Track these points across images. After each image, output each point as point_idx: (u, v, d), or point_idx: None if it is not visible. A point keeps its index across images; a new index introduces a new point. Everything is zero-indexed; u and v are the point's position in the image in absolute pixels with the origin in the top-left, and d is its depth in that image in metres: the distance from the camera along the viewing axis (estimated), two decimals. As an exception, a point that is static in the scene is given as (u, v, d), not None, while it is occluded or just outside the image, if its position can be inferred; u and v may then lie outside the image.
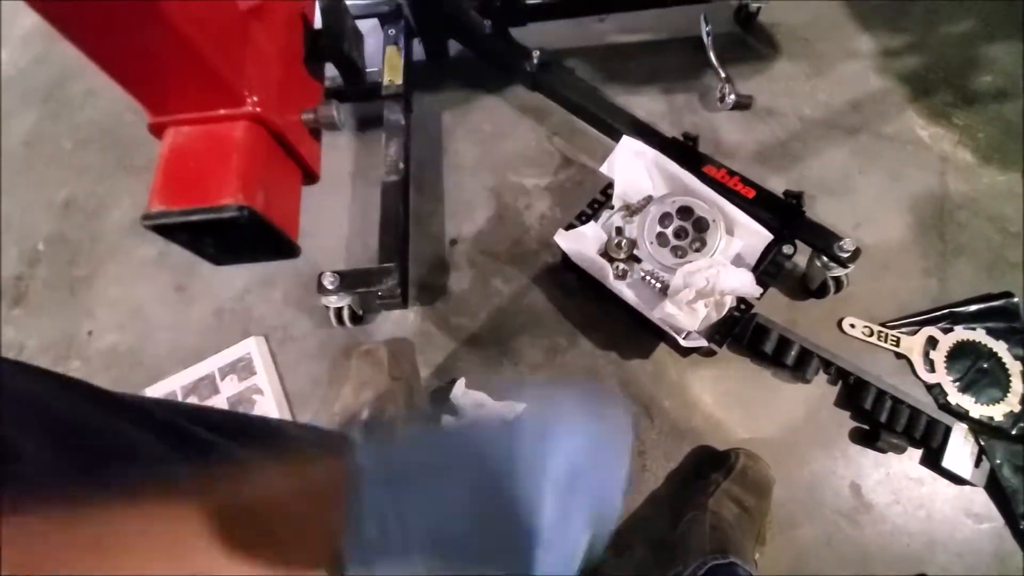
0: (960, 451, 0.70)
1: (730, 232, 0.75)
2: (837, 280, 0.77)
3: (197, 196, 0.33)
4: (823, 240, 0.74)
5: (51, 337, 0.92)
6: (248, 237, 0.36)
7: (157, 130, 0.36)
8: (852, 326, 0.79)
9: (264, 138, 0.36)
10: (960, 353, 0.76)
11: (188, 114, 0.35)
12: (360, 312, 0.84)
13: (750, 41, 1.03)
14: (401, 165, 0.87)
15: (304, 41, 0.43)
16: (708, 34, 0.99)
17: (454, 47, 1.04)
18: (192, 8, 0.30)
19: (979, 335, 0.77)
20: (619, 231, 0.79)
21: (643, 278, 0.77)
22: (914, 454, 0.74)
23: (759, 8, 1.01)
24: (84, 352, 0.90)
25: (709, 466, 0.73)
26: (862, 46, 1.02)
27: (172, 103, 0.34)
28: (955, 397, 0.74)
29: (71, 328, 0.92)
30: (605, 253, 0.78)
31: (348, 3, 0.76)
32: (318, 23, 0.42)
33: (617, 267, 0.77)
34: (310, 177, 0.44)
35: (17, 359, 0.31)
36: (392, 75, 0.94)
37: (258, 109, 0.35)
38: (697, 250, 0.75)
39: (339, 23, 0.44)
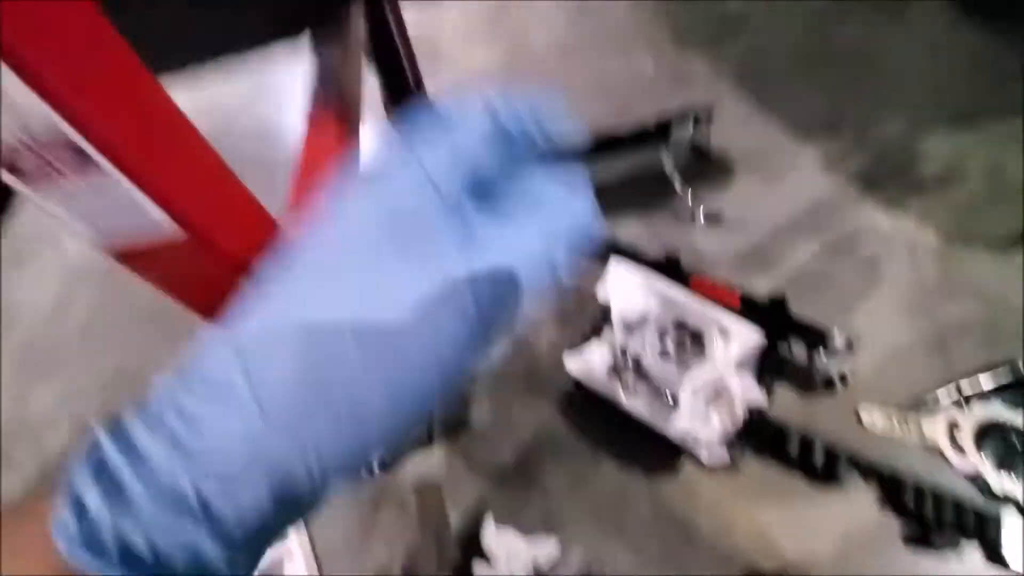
0: (1017, 539, 0.66)
1: (726, 339, 0.80)
2: (841, 373, 0.79)
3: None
4: (814, 337, 0.78)
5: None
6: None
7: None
8: (870, 415, 0.80)
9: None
10: (985, 433, 0.76)
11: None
12: (387, 459, 0.86)
13: (708, 166, 1.18)
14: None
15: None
16: (672, 165, 1.14)
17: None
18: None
19: (996, 409, 0.77)
20: (623, 351, 0.84)
21: (653, 392, 0.80)
22: (976, 547, 0.69)
23: (707, 139, 1.18)
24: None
25: (760, 589, 0.69)
26: (807, 155, 1.16)
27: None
28: (995, 480, 0.72)
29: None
30: (613, 370, 0.82)
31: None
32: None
33: (626, 384, 0.81)
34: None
35: None
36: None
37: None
38: (699, 361, 0.79)
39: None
